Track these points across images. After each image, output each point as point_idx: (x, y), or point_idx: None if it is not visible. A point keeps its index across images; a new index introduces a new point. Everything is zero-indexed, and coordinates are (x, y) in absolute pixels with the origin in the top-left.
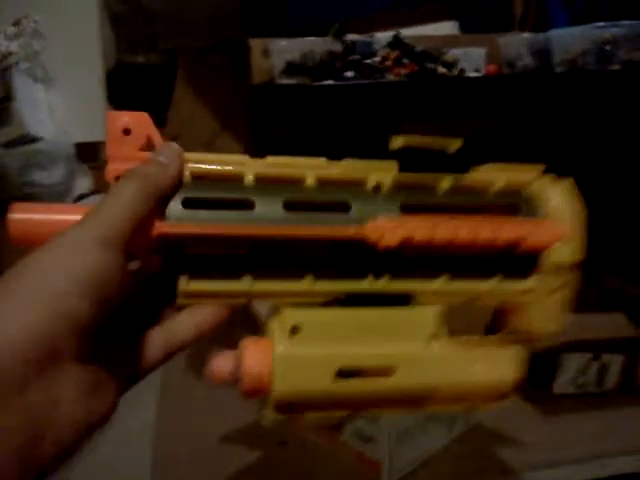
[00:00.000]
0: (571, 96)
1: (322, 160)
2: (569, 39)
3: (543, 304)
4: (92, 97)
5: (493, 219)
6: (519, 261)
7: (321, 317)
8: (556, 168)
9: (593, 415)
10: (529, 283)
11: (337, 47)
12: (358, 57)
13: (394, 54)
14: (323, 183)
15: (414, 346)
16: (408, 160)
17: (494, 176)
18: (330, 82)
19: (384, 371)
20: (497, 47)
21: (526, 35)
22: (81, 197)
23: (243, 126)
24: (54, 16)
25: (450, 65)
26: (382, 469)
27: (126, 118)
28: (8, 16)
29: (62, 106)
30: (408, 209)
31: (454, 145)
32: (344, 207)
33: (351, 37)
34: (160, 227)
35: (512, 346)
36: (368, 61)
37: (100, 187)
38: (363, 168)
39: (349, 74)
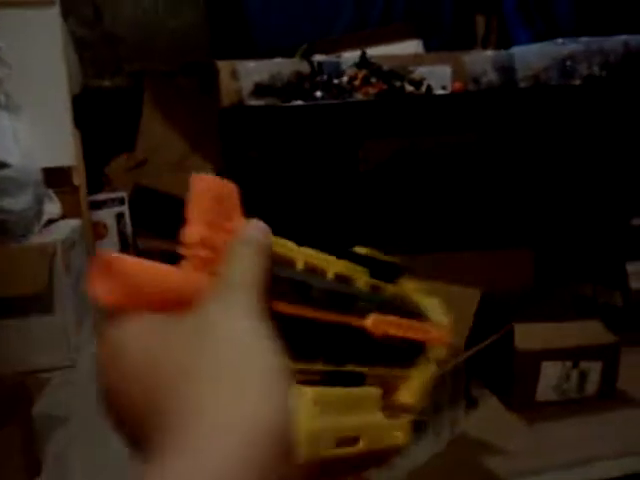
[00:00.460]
0: (535, 110)
1: (332, 257)
2: (531, 56)
3: (419, 385)
4: (58, 122)
5: (418, 322)
6: (415, 352)
7: (327, 394)
8: (524, 178)
9: (576, 421)
10: (417, 369)
11: (305, 68)
12: (326, 77)
13: (362, 73)
14: (337, 277)
15: (372, 417)
16: (369, 264)
17: (407, 289)
18: (299, 102)
19: (355, 439)
20: (462, 65)
21: (490, 52)
22: (50, 222)
23: (213, 147)
24: (18, 43)
25: (417, 83)
26: None
27: (220, 187)
28: None
29: (28, 132)
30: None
31: (394, 259)
32: (352, 299)
33: (319, 57)
34: (275, 305)
35: (403, 415)
36: (336, 81)
37: (67, 212)
38: (351, 269)
39: (318, 94)
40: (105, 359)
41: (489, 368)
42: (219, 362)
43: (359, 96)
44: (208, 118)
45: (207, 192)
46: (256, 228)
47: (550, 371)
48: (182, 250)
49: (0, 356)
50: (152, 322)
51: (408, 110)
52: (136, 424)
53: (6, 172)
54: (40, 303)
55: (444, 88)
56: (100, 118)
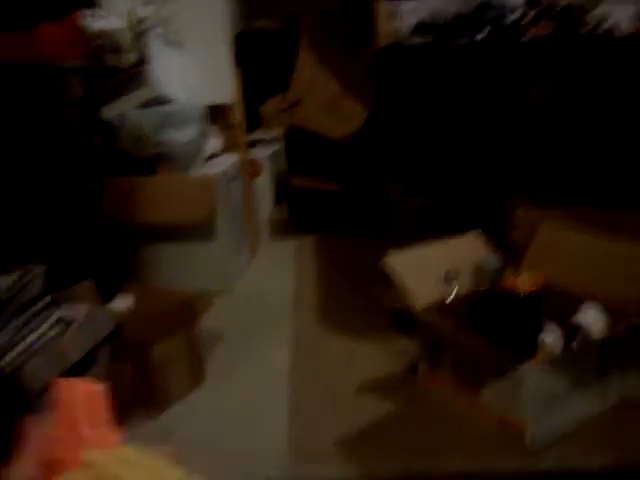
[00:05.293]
0: None
1: None
2: None
3: None
4: (221, 60)
5: None
6: None
7: None
8: None
9: None
10: None
11: (469, 6)
12: (492, 16)
13: (532, 12)
14: None
15: None
16: None
17: None
18: (464, 41)
19: None
20: None
21: None
22: (212, 156)
23: (365, 90)
24: None
25: (596, 24)
26: (526, 435)
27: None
28: None
29: (193, 69)
30: None
31: None
32: None
33: None
34: None
35: None
36: (504, 20)
37: (227, 148)
38: None
39: (483, 33)
40: None
41: None
42: None
43: (528, 36)
44: (361, 61)
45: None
46: None
47: None
48: None
49: (167, 277)
50: None
51: (583, 51)
52: None
53: (172, 107)
54: (202, 232)
55: (626, 30)
56: (257, 59)
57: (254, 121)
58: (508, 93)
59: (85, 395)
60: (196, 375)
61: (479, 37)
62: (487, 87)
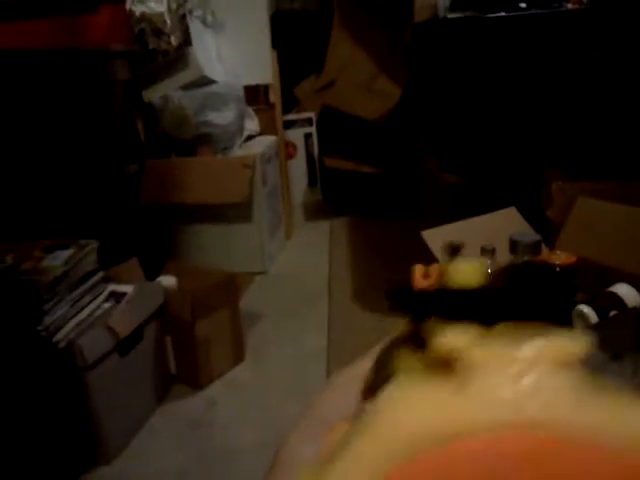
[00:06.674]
0: None
1: None
2: None
3: None
4: (258, 42)
5: None
6: None
7: None
8: None
9: None
10: None
11: None
12: None
13: None
14: None
15: None
16: None
17: None
18: (502, 14)
19: None
20: None
21: None
22: (249, 137)
23: (399, 67)
24: None
25: None
26: None
27: None
28: None
29: (230, 50)
30: None
31: None
32: None
33: None
34: None
35: None
36: None
37: (263, 129)
38: None
39: (522, 5)
40: None
41: None
42: None
43: (569, 5)
44: (397, 38)
45: None
46: None
47: None
48: None
49: (205, 257)
50: None
51: (624, 22)
52: None
53: (212, 88)
54: (240, 213)
55: None
56: (290, 40)
57: (288, 102)
58: (546, 65)
59: None
60: (237, 352)
61: (519, 7)
62: (526, 60)
